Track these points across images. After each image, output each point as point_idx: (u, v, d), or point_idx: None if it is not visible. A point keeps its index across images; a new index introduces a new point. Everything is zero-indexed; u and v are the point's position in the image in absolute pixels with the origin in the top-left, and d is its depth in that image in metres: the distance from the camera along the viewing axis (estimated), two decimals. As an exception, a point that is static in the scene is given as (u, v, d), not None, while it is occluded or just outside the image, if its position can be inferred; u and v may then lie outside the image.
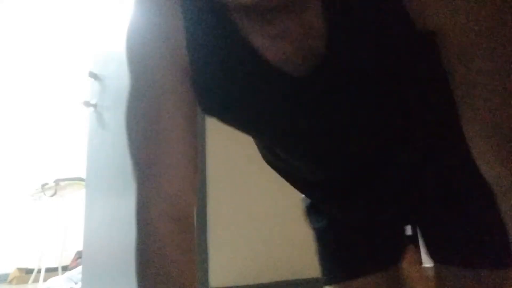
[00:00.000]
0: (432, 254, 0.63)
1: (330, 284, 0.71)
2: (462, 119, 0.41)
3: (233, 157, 1.75)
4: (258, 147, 0.67)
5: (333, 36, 0.42)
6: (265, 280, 1.61)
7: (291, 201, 1.85)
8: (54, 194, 3.30)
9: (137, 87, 0.50)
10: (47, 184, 3.32)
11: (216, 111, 0.51)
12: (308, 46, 0.43)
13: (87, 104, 2.41)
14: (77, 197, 3.28)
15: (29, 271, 3.56)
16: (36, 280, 3.34)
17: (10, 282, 3.58)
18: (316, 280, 1.77)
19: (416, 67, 0.47)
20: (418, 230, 0.66)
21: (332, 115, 0.50)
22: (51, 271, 3.33)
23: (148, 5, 0.49)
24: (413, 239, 0.83)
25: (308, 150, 0.56)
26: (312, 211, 0.74)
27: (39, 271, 3.27)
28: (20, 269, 3.62)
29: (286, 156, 0.60)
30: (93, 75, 2.43)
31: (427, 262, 2.22)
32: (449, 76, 0.41)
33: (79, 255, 3.33)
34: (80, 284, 2.41)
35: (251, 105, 0.49)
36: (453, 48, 0.39)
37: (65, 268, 3.47)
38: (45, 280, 3.09)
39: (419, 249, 2.17)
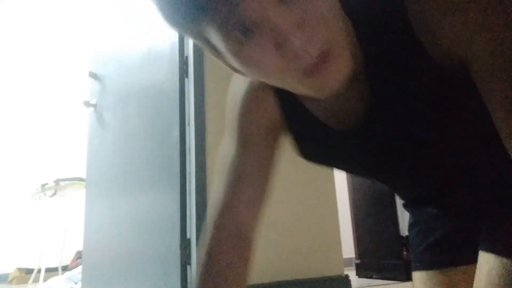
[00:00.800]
0: (492, 246, 0.64)
1: (423, 270, 0.76)
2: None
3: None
4: None
5: (379, 100, 0.51)
6: (265, 280, 1.61)
7: (291, 201, 1.85)
8: (54, 194, 3.30)
9: (231, 138, 0.64)
10: (47, 184, 3.32)
11: (316, 162, 0.66)
12: (358, 108, 0.54)
13: (87, 104, 2.41)
14: (77, 197, 3.28)
15: (29, 271, 3.56)
16: (36, 280, 3.34)
17: (10, 282, 3.59)
18: (316, 280, 1.77)
19: (458, 92, 0.51)
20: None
21: (402, 154, 0.58)
22: (51, 271, 3.33)
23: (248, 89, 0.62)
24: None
25: (398, 180, 0.68)
26: (410, 208, 0.81)
27: (39, 271, 3.27)
28: (20, 269, 3.62)
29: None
30: (93, 75, 2.43)
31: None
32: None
33: (79, 255, 3.34)
34: (80, 284, 2.41)
35: (339, 159, 0.63)
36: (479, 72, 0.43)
37: (65, 268, 3.47)
38: (45, 280, 3.09)
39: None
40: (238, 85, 0.64)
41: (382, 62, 0.49)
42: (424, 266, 0.75)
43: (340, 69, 0.44)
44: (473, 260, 0.64)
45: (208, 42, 0.46)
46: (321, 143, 0.60)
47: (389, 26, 0.47)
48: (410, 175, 0.64)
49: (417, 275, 0.76)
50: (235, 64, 0.46)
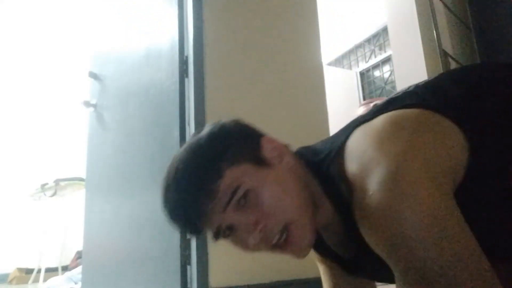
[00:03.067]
0: None
1: None
2: None
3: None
4: None
5: (351, 237, 0.66)
6: (265, 280, 1.61)
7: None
8: (54, 194, 3.30)
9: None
10: (47, 184, 3.32)
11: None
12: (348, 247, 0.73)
13: (87, 104, 2.41)
14: (77, 197, 3.28)
15: (29, 271, 3.56)
16: (36, 280, 3.34)
17: (10, 282, 3.58)
18: (316, 281, 1.77)
19: None
20: None
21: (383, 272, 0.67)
22: (51, 271, 3.33)
23: None
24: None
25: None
26: None
27: (39, 271, 3.27)
28: (20, 269, 3.62)
29: None
30: (93, 75, 2.43)
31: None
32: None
33: (79, 255, 3.33)
34: (80, 284, 2.41)
35: (363, 272, 0.80)
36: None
37: (65, 268, 3.47)
38: (45, 280, 3.08)
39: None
40: None
41: (344, 211, 0.63)
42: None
43: (302, 234, 0.63)
44: None
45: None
46: (341, 264, 0.81)
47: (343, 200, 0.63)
48: None
49: None
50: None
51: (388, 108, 0.64)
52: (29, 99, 4.18)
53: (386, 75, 3.98)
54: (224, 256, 1.60)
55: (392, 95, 0.70)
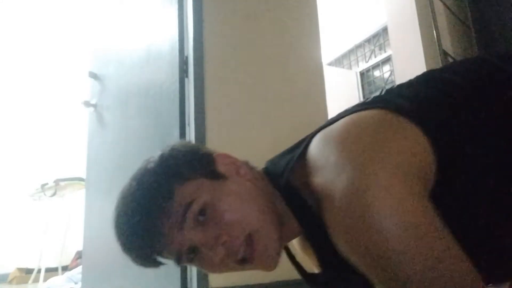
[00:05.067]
0: None
1: None
2: None
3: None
4: None
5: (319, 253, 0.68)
6: (265, 280, 1.61)
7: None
8: (54, 194, 3.30)
9: None
10: (47, 184, 3.32)
11: None
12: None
13: (87, 104, 2.41)
14: (77, 197, 3.27)
15: (29, 271, 3.56)
16: (36, 280, 3.34)
17: (10, 282, 3.58)
18: (316, 280, 1.77)
19: None
20: None
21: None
22: (51, 271, 3.33)
23: None
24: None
25: None
26: None
27: (39, 271, 3.27)
28: (20, 269, 3.62)
29: None
30: (93, 75, 2.43)
31: None
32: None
33: (79, 255, 3.33)
34: (80, 284, 2.41)
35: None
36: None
37: (65, 268, 3.47)
38: (45, 280, 3.08)
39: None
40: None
41: (311, 224, 0.61)
42: None
43: (267, 243, 0.60)
44: None
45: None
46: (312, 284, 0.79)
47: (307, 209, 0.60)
48: None
49: None
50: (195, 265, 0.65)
51: (347, 112, 0.62)
52: (29, 99, 4.18)
53: (386, 75, 3.98)
54: (224, 256, 1.60)
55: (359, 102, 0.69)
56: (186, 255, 0.62)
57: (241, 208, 0.61)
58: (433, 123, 0.56)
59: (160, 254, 0.63)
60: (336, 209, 0.51)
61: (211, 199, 0.60)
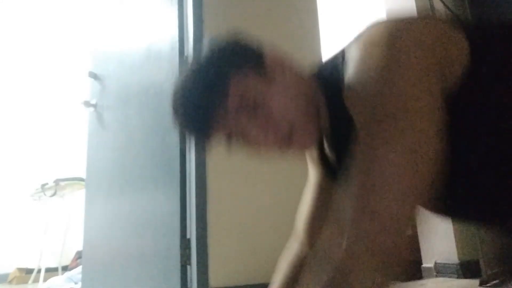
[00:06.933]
0: None
1: None
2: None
3: (233, 156, 1.75)
4: None
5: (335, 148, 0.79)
6: (265, 280, 1.61)
7: (291, 201, 1.85)
8: (54, 194, 3.30)
9: None
10: (47, 184, 3.32)
11: None
12: None
13: (87, 104, 2.41)
14: (77, 197, 3.27)
15: (29, 271, 3.56)
16: (36, 280, 3.34)
17: (10, 282, 3.58)
18: (316, 280, 1.76)
19: None
20: None
21: None
22: (51, 271, 3.33)
23: None
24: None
25: None
26: None
27: (39, 271, 3.27)
28: (20, 269, 3.62)
29: None
30: (93, 75, 2.43)
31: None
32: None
33: (79, 255, 3.33)
34: (80, 284, 2.41)
35: None
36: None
37: (65, 268, 3.47)
38: (45, 280, 3.08)
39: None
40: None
41: (336, 124, 0.71)
42: None
43: (305, 138, 0.69)
44: None
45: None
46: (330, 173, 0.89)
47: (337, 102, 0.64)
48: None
49: None
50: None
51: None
52: (29, 99, 4.18)
53: (386, 75, 3.97)
54: (224, 256, 1.60)
55: None
56: (236, 137, 0.71)
57: (287, 106, 0.68)
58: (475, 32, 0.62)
59: (212, 128, 0.70)
60: (359, 78, 0.58)
61: (261, 93, 0.68)
